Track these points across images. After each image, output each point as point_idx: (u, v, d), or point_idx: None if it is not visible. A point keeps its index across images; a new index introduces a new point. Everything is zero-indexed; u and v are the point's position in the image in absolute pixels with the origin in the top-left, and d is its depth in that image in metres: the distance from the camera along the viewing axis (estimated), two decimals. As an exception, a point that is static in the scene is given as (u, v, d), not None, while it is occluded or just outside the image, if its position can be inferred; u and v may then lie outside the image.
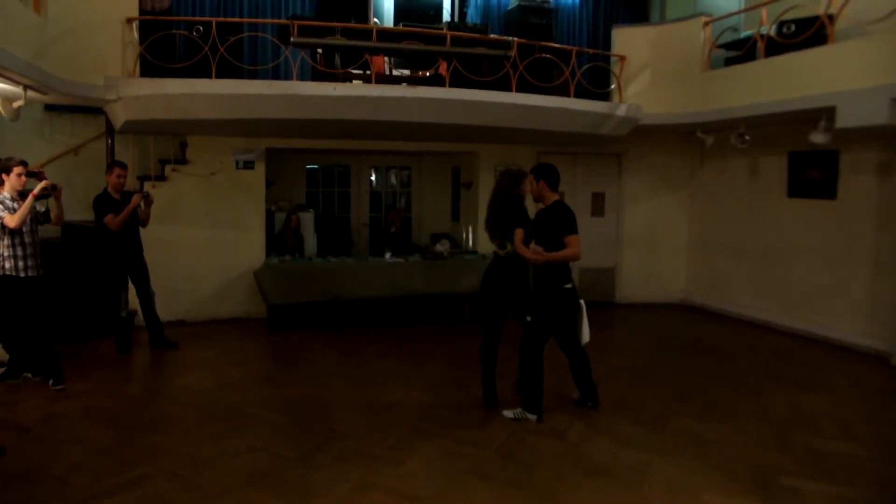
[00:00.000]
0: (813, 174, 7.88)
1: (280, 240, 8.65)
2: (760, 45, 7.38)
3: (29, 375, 5.66)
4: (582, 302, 5.07)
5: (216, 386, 5.71)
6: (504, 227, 5.12)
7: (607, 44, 9.11)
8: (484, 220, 5.37)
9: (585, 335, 5.10)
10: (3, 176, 5.34)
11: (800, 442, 4.64)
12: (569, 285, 4.98)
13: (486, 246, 9.00)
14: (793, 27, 7.06)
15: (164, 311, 7.11)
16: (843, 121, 6.40)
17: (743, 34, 8.20)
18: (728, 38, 8.11)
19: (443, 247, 8.54)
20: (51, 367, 5.53)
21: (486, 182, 9.39)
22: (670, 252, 9.91)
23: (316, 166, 10.60)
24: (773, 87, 7.11)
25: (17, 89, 5.66)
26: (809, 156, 7.81)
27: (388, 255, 8.26)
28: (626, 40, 8.63)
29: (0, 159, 5.65)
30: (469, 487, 3.85)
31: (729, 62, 8.09)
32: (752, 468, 4.18)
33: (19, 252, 5.31)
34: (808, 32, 6.84)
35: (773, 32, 7.22)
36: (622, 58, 8.48)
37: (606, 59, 8.90)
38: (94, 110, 7.83)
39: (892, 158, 7.06)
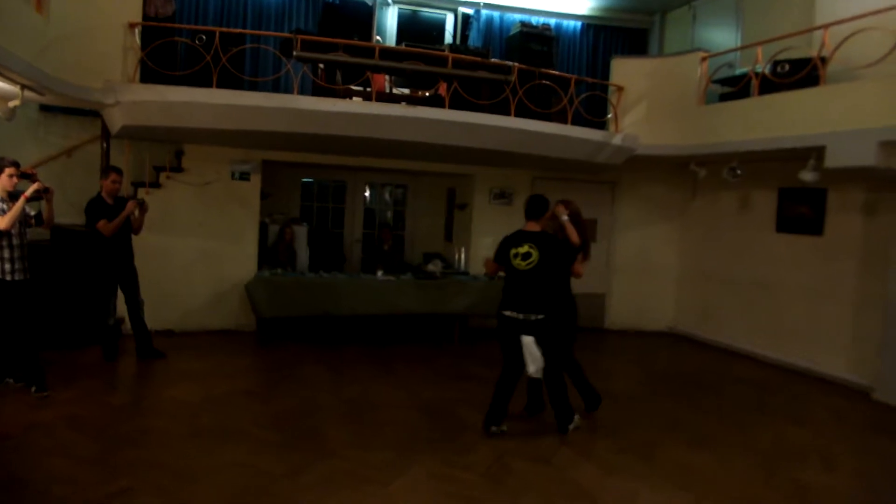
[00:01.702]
0: (801, 210, 8.00)
1: (273, 253, 8.62)
2: (755, 82, 7.51)
3: (11, 381, 5.56)
4: (525, 338, 5.00)
5: (203, 398, 5.66)
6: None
7: (606, 73, 9.23)
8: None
9: (529, 366, 5.03)
10: None
11: (784, 474, 4.69)
12: (507, 312, 5.08)
13: (479, 267, 9.06)
14: (787, 67, 7.20)
15: (153, 321, 7.05)
16: (832, 160, 6.51)
17: (738, 71, 8.33)
18: (724, 73, 8.24)
19: (435, 266, 8.55)
20: (34, 373, 5.43)
21: (480, 204, 9.45)
22: (660, 281, 9.99)
23: (311, 180, 10.60)
24: (766, 124, 7.23)
25: (15, 89, 5.62)
26: (798, 192, 7.93)
27: (380, 273, 8.25)
28: (625, 71, 8.74)
29: None
30: (457, 512, 3.84)
31: (724, 97, 8.22)
32: (738, 500, 4.21)
33: (6, 254, 5.24)
34: (802, 73, 6.98)
35: (767, 71, 7.36)
36: (620, 88, 8.59)
37: (604, 89, 9.01)
38: (89, 112, 7.78)
39: (877, 198, 7.20)
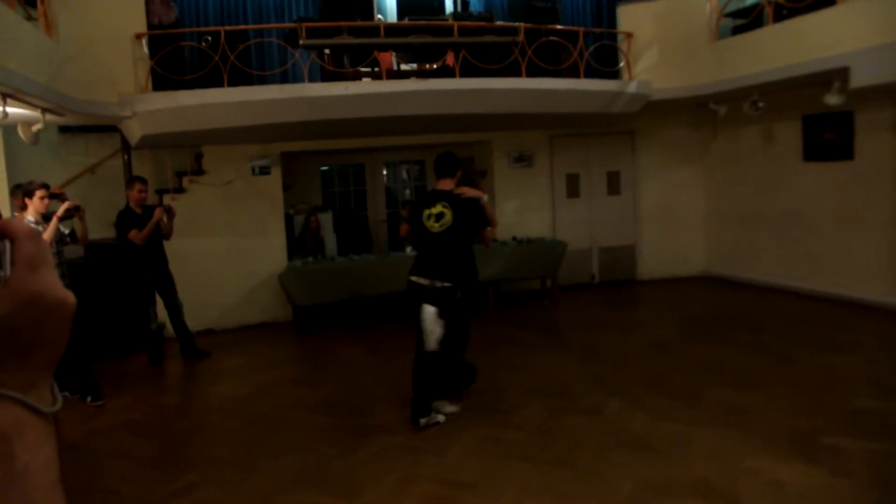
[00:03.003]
0: (828, 136, 7.83)
1: (301, 242, 8.70)
2: (768, 10, 7.31)
3: (67, 394, 5.73)
4: (426, 307, 4.55)
5: (251, 391, 5.78)
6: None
7: (613, 22, 9.06)
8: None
9: (428, 340, 4.56)
10: (27, 200, 5.40)
11: (835, 403, 4.64)
12: (413, 277, 4.68)
13: (507, 232, 9.07)
14: (800, -11, 7.00)
15: (193, 322, 7.18)
16: (857, 80, 6.34)
17: (749, 1, 8.12)
18: (734, 6, 8.03)
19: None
20: (88, 384, 5.59)
21: (500, 169, 9.41)
22: (689, 225, 9.88)
23: (330, 167, 10.64)
24: (784, 52, 7.05)
25: (36, 113, 5.73)
26: (824, 118, 7.75)
27: (408, 249, 8.28)
28: (632, 17, 8.57)
29: (22, 184, 5.73)
30: (514, 470, 3.89)
31: (737, 31, 8.03)
32: (790, 432, 4.19)
33: (47, 274, 5.37)
34: (817, -6, 6.78)
35: (779, -4, 7.16)
36: (629, 35, 8.43)
37: (613, 38, 8.85)
38: (107, 129, 7.90)
39: (908, 115, 7.01)
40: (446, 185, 4.75)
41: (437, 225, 4.62)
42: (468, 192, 4.75)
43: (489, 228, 4.94)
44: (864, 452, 3.83)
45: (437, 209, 4.63)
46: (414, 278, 4.65)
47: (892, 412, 4.45)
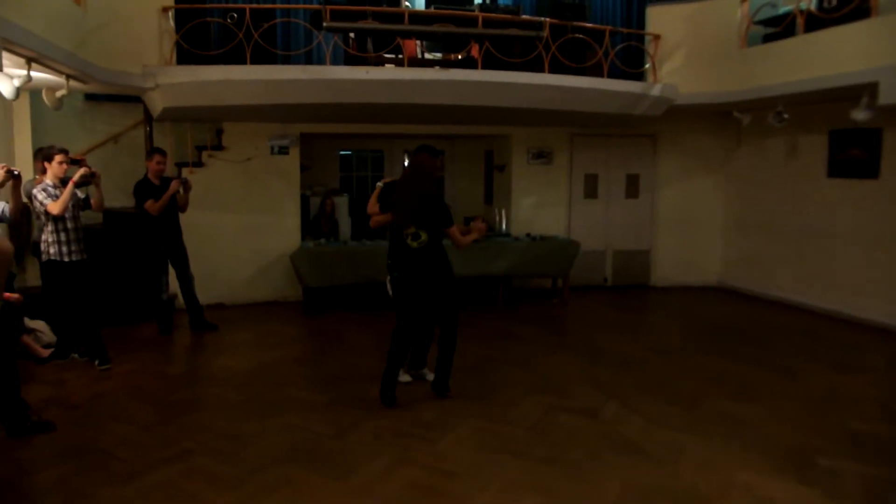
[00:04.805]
0: (854, 153, 7.69)
1: (315, 224, 8.76)
2: (800, 20, 7.19)
3: (76, 356, 5.86)
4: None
5: (254, 367, 5.84)
6: (422, 214, 4.73)
7: (641, 22, 8.98)
8: (395, 205, 4.85)
9: None
10: (45, 164, 5.50)
11: (837, 423, 4.58)
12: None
13: (520, 228, 9.05)
14: (834, 1, 6.88)
15: (203, 295, 7.26)
16: (887, 96, 6.20)
17: (782, 9, 7.99)
18: (766, 14, 7.91)
19: (476, 230, 8.54)
20: (96, 348, 5.70)
21: (518, 165, 9.38)
22: (706, 234, 9.79)
23: (349, 152, 10.67)
24: (813, 64, 6.93)
25: (60, 79, 5.81)
26: (851, 134, 7.62)
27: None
28: (661, 18, 8.48)
29: (42, 148, 5.84)
30: (503, 464, 3.90)
31: (767, 39, 7.92)
32: (788, 449, 4.14)
33: (63, 238, 5.48)
34: (851, 6, 6.64)
35: (813, 7, 7.04)
36: (657, 37, 8.34)
37: (640, 39, 8.77)
38: (132, 99, 7.99)
39: (937, 135, 6.87)
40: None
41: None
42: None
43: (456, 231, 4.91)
44: (862, 477, 3.77)
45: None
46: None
47: (892, 437, 4.39)
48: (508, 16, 7.60)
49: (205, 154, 8.18)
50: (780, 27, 7.59)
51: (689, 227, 9.74)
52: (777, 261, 8.81)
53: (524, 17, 7.81)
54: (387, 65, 7.51)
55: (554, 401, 4.95)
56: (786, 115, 7.71)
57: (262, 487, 3.61)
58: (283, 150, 8.39)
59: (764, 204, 9.03)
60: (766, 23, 7.94)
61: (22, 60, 4.97)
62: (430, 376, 5.23)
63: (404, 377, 5.27)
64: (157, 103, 7.06)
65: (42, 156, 5.62)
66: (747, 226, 9.35)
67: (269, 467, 3.84)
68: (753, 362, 6.04)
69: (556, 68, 7.58)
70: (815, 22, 7.03)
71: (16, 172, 4.56)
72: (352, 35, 7.44)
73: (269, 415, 4.67)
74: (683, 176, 9.72)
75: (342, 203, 9.20)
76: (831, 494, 3.56)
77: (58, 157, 5.47)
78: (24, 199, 5.34)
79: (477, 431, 4.39)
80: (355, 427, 4.44)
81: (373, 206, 5.12)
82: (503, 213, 9.24)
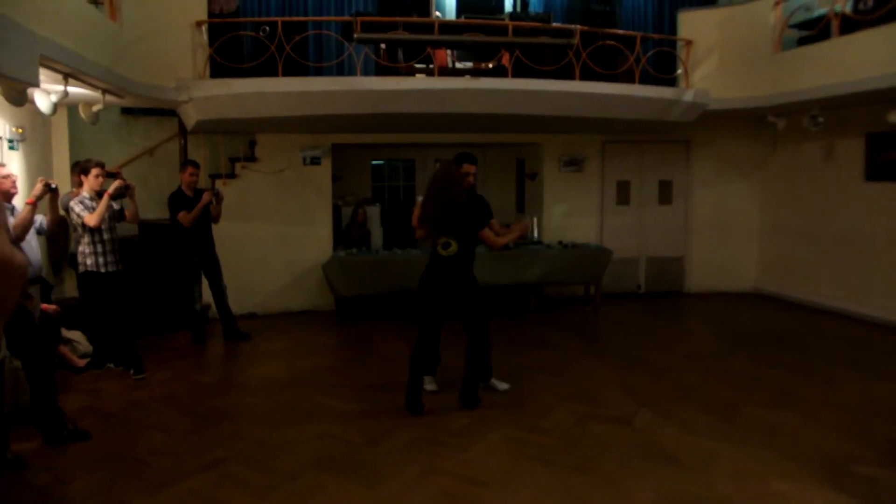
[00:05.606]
0: (892, 156, 7.52)
1: (347, 234, 8.82)
2: (835, 22, 7.06)
3: (112, 366, 5.96)
4: None
5: (287, 376, 5.89)
6: (451, 223, 4.80)
7: (673, 28, 8.89)
8: (419, 215, 4.93)
9: None
10: (83, 177, 5.64)
11: (876, 431, 4.46)
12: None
13: (552, 236, 9.00)
14: (870, 2, 6.73)
15: (237, 305, 7.35)
16: (926, 98, 6.07)
17: (817, 13, 7.85)
18: (800, 17, 7.78)
19: (508, 238, 8.53)
20: (132, 357, 5.79)
21: (550, 172, 9.35)
22: (741, 240, 9.63)
23: (381, 162, 10.74)
24: (849, 66, 6.78)
25: (96, 94, 5.95)
26: (889, 137, 7.44)
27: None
28: (693, 24, 8.39)
29: (79, 161, 5.99)
30: (534, 472, 3.86)
31: (801, 42, 7.78)
32: (824, 457, 4.04)
33: (99, 249, 5.60)
34: (887, 7, 6.49)
35: (848, 9, 6.90)
36: (689, 42, 8.26)
37: (672, 44, 8.68)
38: (167, 112, 8.16)
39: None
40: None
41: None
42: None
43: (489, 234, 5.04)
44: (901, 485, 3.67)
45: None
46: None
47: (937, 446, 4.26)
48: (538, 24, 7.60)
49: (238, 165, 8.31)
50: (814, 30, 7.46)
51: (723, 233, 9.60)
52: (814, 266, 8.63)
53: (554, 24, 7.80)
54: (417, 74, 7.56)
55: (586, 409, 4.90)
56: (821, 119, 7.56)
57: (294, 495, 3.63)
58: (315, 161, 8.48)
59: (800, 208, 8.86)
60: (800, 26, 7.82)
61: (59, 76, 5.09)
62: (430, 387, 5.31)
63: (431, 385, 5.31)
64: (191, 116, 7.20)
65: (79, 169, 5.76)
66: (784, 231, 9.18)
67: (302, 475, 3.86)
68: (790, 369, 5.91)
69: (587, 75, 7.54)
70: (851, 24, 6.89)
71: (53, 186, 4.83)
72: (382, 46, 7.51)
73: (301, 423, 4.70)
74: (718, 181, 9.58)
75: (374, 213, 9.26)
76: (868, 503, 3.46)
77: (94, 171, 5.61)
78: (62, 212, 5.47)
79: (508, 440, 4.36)
80: (387, 435, 4.44)
81: (416, 219, 5.11)
82: (535, 221, 9.20)
